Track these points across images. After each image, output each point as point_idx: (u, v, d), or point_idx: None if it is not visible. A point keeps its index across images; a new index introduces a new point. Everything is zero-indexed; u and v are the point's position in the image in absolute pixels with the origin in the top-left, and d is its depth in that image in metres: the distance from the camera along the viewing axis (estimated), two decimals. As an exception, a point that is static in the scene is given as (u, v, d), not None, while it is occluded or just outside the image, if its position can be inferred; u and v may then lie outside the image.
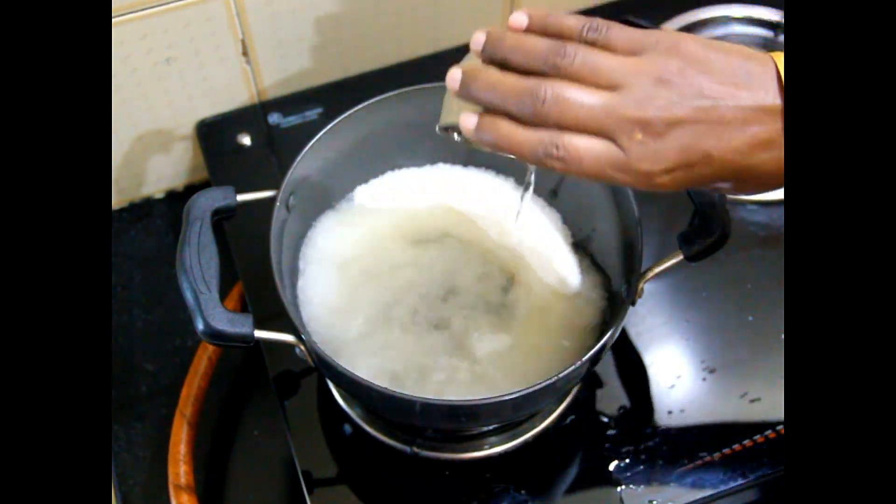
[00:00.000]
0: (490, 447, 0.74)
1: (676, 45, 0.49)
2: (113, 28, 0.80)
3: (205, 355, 0.81)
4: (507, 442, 0.74)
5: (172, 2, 0.81)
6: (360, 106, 0.74)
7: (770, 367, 0.78)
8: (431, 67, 0.97)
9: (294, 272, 0.75)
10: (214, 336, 0.61)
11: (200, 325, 0.61)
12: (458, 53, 1.00)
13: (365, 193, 0.79)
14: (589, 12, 1.01)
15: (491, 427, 0.74)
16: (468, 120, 0.51)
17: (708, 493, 0.72)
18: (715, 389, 0.77)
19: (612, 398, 0.77)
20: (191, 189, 0.98)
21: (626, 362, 0.79)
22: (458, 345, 0.71)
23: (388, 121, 0.76)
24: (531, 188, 0.65)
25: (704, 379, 0.78)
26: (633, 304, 0.67)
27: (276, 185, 0.70)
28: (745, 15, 0.99)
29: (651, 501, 0.72)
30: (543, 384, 0.62)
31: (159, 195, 0.98)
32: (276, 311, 0.66)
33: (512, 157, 0.50)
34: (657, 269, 0.67)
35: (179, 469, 0.76)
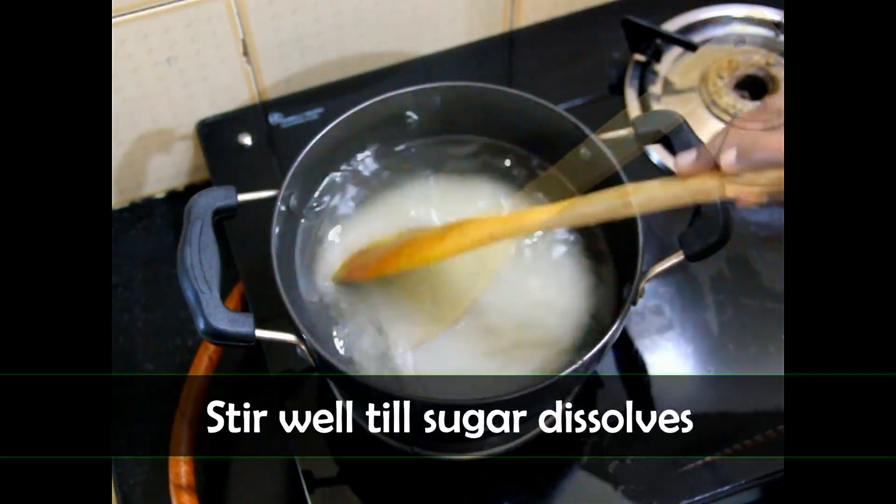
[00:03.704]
0: (490, 447, 0.74)
1: None
2: (113, 28, 0.80)
3: (205, 355, 0.82)
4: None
5: (173, 2, 0.81)
6: (360, 106, 0.74)
7: (770, 367, 0.78)
8: (432, 67, 0.97)
9: (306, 273, 0.75)
10: (215, 336, 0.61)
11: (201, 325, 0.61)
12: (459, 53, 1.01)
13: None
14: (589, 12, 1.01)
15: (491, 427, 0.74)
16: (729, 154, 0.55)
17: (708, 493, 0.72)
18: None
19: (612, 398, 0.77)
20: (191, 189, 0.98)
21: (626, 362, 0.79)
22: (464, 345, 0.71)
23: (388, 121, 0.77)
24: None
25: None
26: (634, 303, 0.67)
27: (276, 185, 0.70)
28: (745, 15, 0.99)
29: (651, 501, 0.72)
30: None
31: (160, 195, 0.98)
32: (276, 310, 0.66)
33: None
34: (658, 269, 0.67)
35: (180, 469, 0.76)
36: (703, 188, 0.57)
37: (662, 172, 0.88)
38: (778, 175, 0.53)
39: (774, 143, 0.52)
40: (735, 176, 0.55)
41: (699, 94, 0.92)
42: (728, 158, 0.54)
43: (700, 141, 0.67)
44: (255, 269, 0.83)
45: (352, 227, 0.78)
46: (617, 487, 0.73)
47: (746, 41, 0.97)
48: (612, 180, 0.71)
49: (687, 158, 0.58)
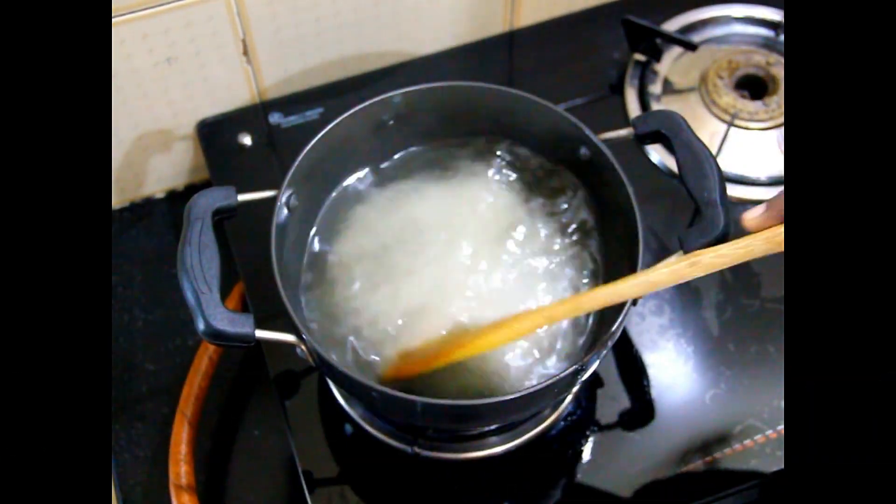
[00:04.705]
0: (491, 447, 0.74)
1: None
2: (113, 28, 0.80)
3: (205, 355, 0.82)
4: (508, 442, 0.74)
5: (173, 1, 0.81)
6: (360, 106, 0.74)
7: (770, 367, 0.78)
8: (432, 67, 0.97)
9: (310, 270, 0.75)
10: (215, 336, 0.61)
11: (201, 325, 0.61)
12: (459, 53, 1.01)
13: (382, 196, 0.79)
14: (589, 12, 1.01)
15: (492, 427, 0.74)
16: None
17: (708, 493, 0.72)
18: (715, 390, 0.77)
19: (612, 398, 0.78)
20: (191, 189, 0.98)
21: (626, 362, 0.79)
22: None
23: (388, 121, 0.77)
24: None
25: (705, 379, 0.78)
26: (634, 303, 0.67)
27: (276, 185, 0.70)
28: (745, 15, 0.99)
29: (651, 501, 0.72)
30: (544, 385, 0.62)
31: (160, 195, 0.98)
32: (276, 310, 0.66)
33: None
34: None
35: (180, 469, 0.76)
36: (774, 238, 0.59)
37: (662, 172, 0.88)
38: None
39: None
40: None
41: (699, 94, 0.93)
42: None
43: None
44: (255, 269, 0.83)
45: (353, 226, 0.78)
46: (617, 487, 0.73)
47: (746, 41, 0.97)
48: (612, 180, 0.71)
49: (754, 213, 0.60)
